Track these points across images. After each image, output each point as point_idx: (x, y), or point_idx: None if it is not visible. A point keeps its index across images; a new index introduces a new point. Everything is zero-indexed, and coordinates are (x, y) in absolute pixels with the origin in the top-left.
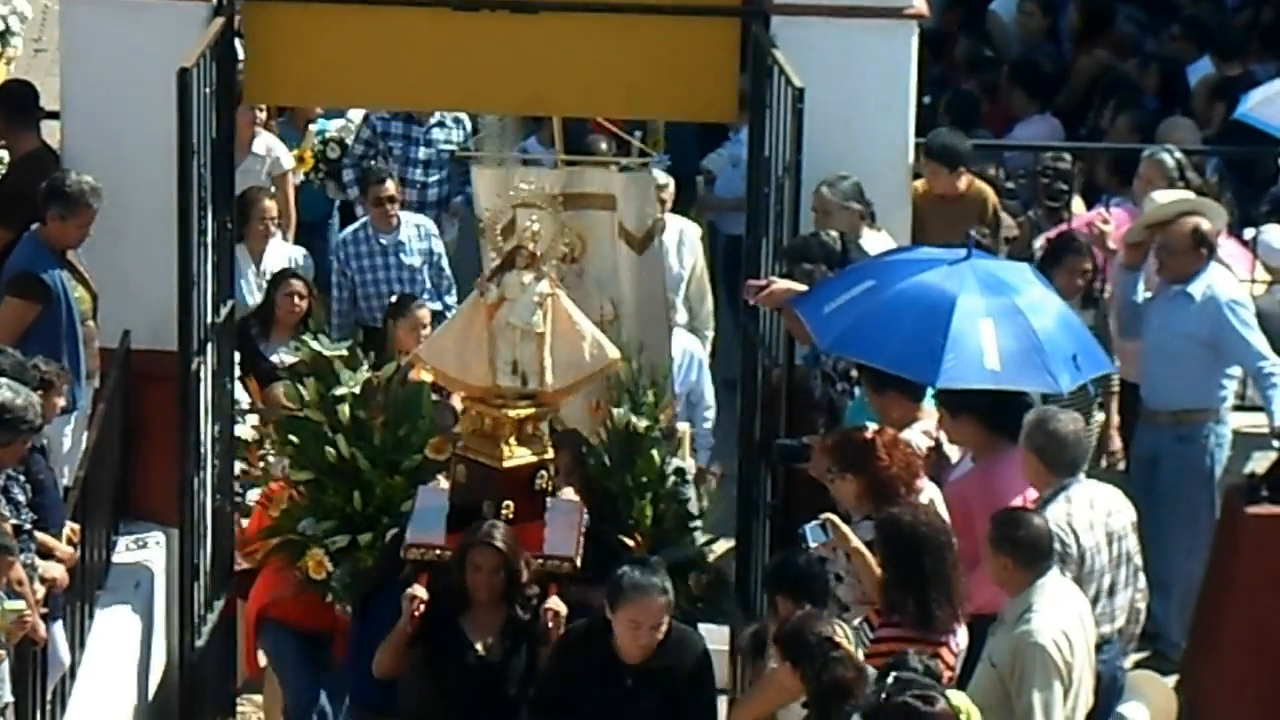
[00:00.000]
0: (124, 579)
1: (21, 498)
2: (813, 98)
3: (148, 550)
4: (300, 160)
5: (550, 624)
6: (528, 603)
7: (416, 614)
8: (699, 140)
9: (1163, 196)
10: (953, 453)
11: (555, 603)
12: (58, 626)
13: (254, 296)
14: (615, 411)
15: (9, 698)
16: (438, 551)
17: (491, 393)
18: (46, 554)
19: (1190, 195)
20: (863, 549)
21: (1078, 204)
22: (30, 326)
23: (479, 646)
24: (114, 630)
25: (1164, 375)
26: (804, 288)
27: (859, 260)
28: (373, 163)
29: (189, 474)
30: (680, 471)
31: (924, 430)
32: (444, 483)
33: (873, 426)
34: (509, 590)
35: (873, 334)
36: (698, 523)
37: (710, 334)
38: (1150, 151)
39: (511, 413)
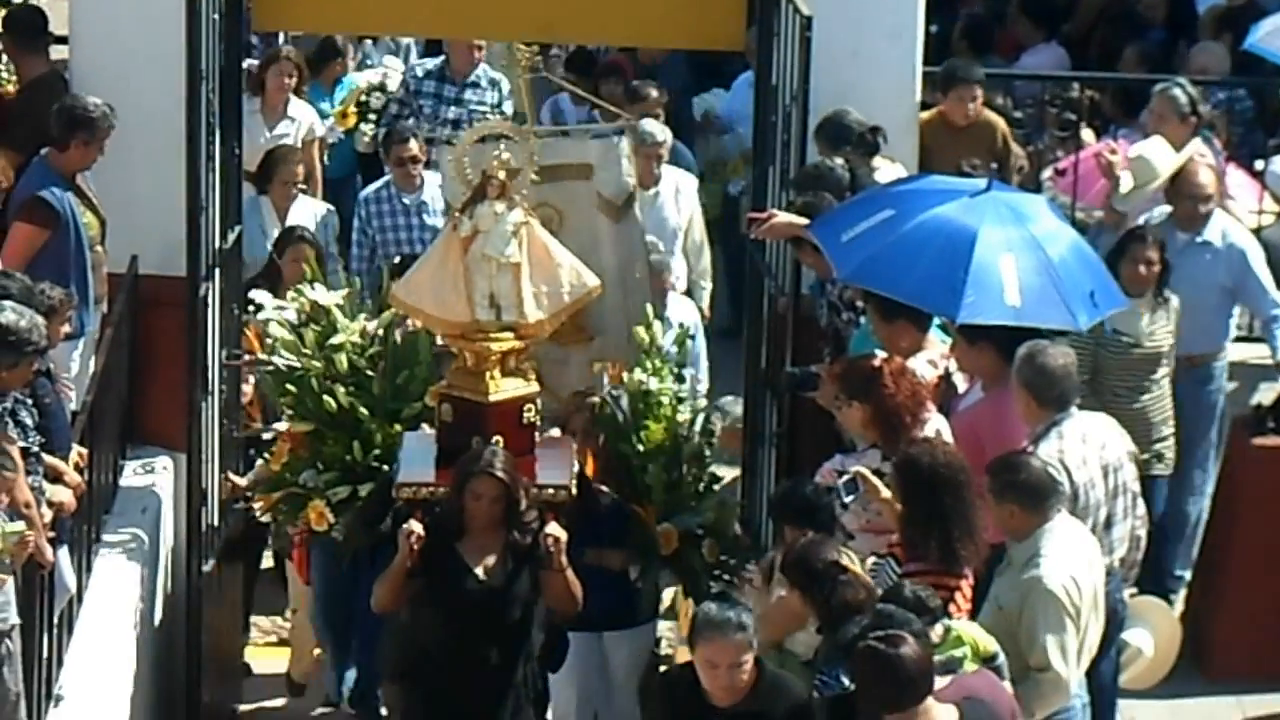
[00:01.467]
0: (131, 503)
1: (29, 421)
2: (820, 26)
3: (155, 475)
4: (343, 117)
5: (550, 549)
6: (526, 529)
7: (415, 548)
8: (694, 88)
9: (1152, 153)
10: (960, 383)
11: (554, 528)
12: (64, 551)
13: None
14: (628, 375)
15: (15, 621)
16: (430, 490)
17: (471, 328)
18: (54, 478)
19: (1166, 153)
20: (892, 499)
21: (1086, 134)
22: (39, 251)
23: (479, 572)
24: (121, 554)
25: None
26: (804, 221)
27: (870, 188)
28: (407, 121)
29: (196, 399)
30: (709, 433)
31: (929, 360)
32: (429, 430)
33: (881, 355)
34: (509, 518)
35: (893, 266)
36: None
37: (708, 286)
38: (1162, 86)
39: (494, 346)
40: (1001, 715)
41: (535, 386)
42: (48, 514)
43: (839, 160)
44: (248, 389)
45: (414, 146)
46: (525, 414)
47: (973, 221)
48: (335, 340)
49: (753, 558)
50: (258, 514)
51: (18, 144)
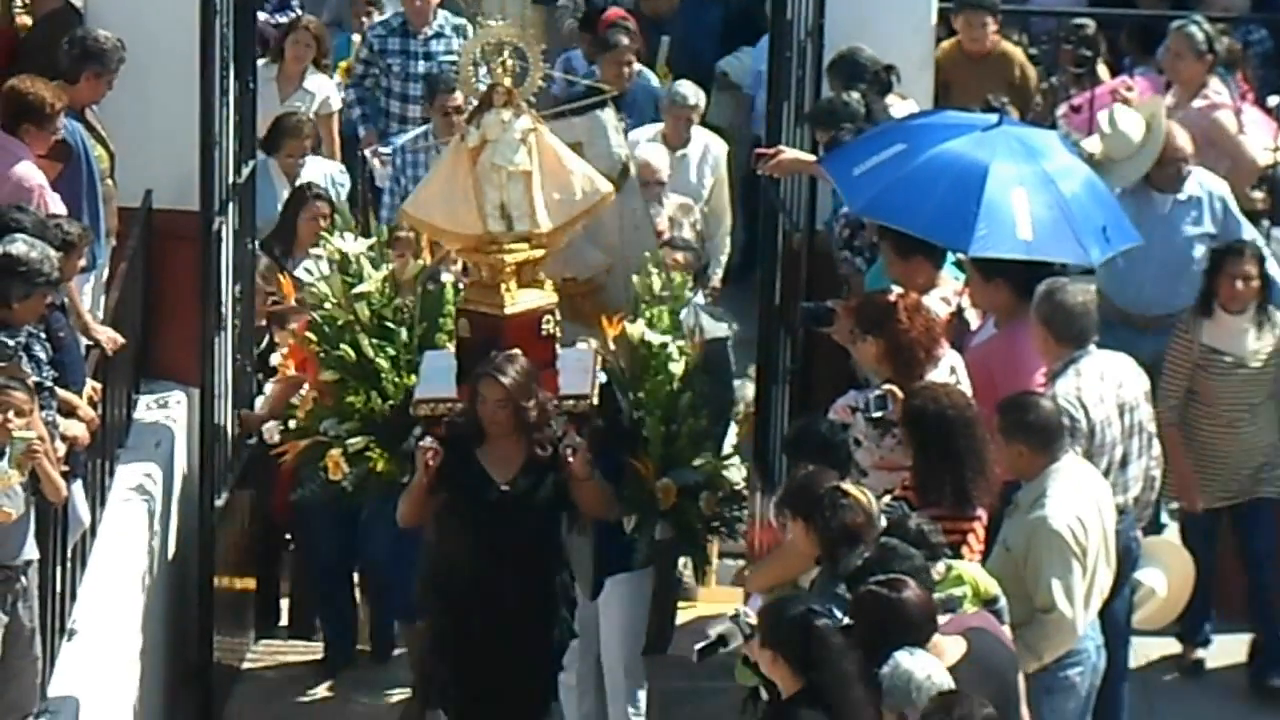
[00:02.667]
0: (145, 438)
1: (42, 355)
2: None
3: (168, 409)
4: (347, 73)
5: (570, 459)
6: (546, 440)
7: (431, 464)
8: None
9: (1125, 123)
10: (972, 319)
11: (574, 438)
12: (78, 485)
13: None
14: (628, 326)
15: (31, 556)
16: (447, 405)
17: (484, 240)
18: (68, 412)
19: (1137, 123)
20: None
21: (1102, 71)
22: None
23: (500, 481)
24: (134, 489)
25: (1167, 281)
26: (812, 158)
27: (884, 122)
28: (374, 80)
29: (210, 334)
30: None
31: (942, 297)
32: (450, 348)
33: (897, 290)
34: (523, 425)
35: (905, 200)
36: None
37: (724, 256)
38: (1179, 24)
39: (508, 258)
40: (1007, 648)
41: (553, 297)
42: (61, 448)
43: (855, 95)
44: (287, 337)
45: (459, 97)
46: (544, 326)
47: (984, 156)
48: (360, 289)
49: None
50: (283, 461)
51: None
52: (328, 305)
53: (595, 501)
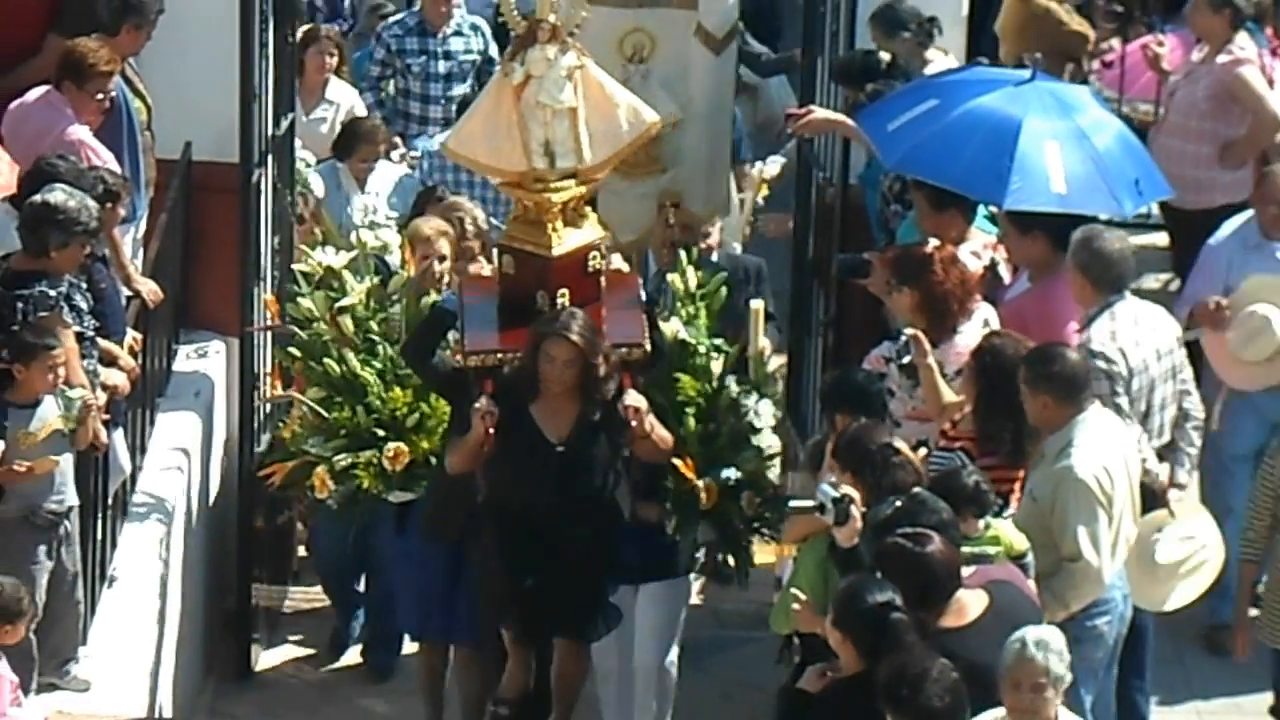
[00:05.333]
0: (184, 387)
1: (83, 305)
2: None
3: (207, 359)
4: None
5: (631, 419)
6: (603, 397)
7: (489, 430)
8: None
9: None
10: (1005, 274)
11: (634, 397)
12: (119, 433)
13: (357, 217)
14: (664, 324)
15: (73, 502)
16: (498, 355)
17: (529, 176)
18: (109, 362)
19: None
20: (934, 367)
21: None
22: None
23: (554, 439)
24: (174, 437)
25: None
26: (841, 117)
27: (915, 76)
28: (391, 81)
29: (249, 284)
30: (745, 383)
31: (973, 251)
32: (486, 269)
33: (934, 242)
34: (585, 382)
35: (939, 154)
36: (765, 440)
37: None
38: None
39: (555, 196)
40: (1030, 600)
41: (599, 231)
42: (102, 397)
43: (884, 55)
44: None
45: None
46: (590, 262)
47: (1017, 111)
48: (343, 303)
49: (788, 509)
50: (271, 483)
51: (69, 30)
52: (312, 323)
53: (654, 452)
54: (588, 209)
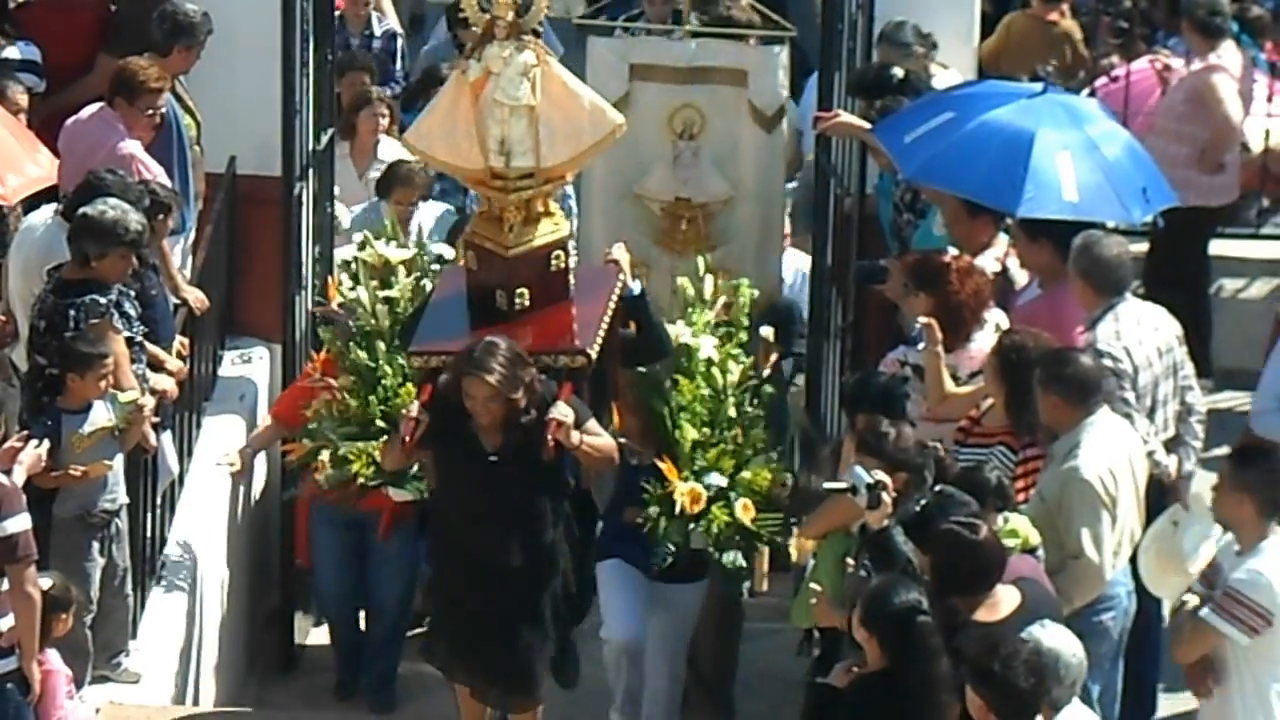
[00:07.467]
0: (229, 391)
1: (132, 312)
2: None
3: (252, 364)
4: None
5: (552, 434)
6: (539, 406)
7: (409, 438)
8: None
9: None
10: (1018, 279)
11: (561, 410)
12: (167, 435)
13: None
14: (671, 328)
15: (124, 500)
16: (442, 357)
17: (489, 174)
18: (157, 366)
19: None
20: (942, 355)
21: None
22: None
23: (489, 450)
24: (220, 440)
25: None
26: (866, 124)
27: (925, 90)
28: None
29: (291, 292)
30: (758, 391)
31: (996, 256)
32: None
33: (952, 251)
34: (508, 413)
35: (955, 164)
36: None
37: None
38: None
39: (513, 195)
40: (1053, 598)
41: (564, 230)
42: (151, 401)
43: (897, 71)
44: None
45: None
46: (553, 261)
47: (1030, 123)
48: (386, 294)
49: (822, 489)
50: (289, 461)
51: (119, 49)
52: (360, 312)
53: (589, 461)
54: (554, 207)
